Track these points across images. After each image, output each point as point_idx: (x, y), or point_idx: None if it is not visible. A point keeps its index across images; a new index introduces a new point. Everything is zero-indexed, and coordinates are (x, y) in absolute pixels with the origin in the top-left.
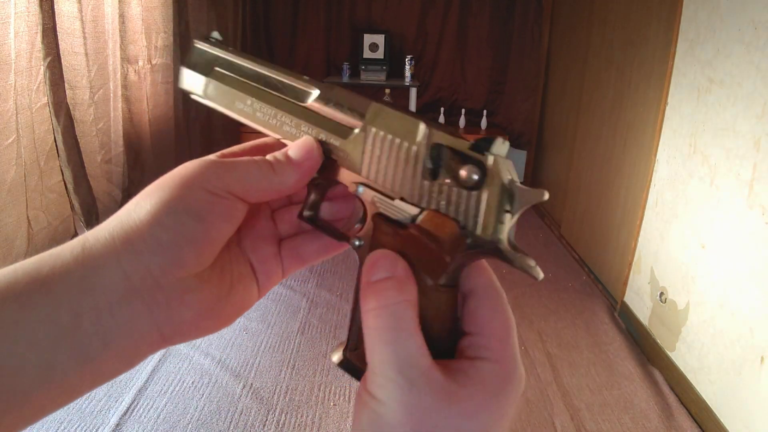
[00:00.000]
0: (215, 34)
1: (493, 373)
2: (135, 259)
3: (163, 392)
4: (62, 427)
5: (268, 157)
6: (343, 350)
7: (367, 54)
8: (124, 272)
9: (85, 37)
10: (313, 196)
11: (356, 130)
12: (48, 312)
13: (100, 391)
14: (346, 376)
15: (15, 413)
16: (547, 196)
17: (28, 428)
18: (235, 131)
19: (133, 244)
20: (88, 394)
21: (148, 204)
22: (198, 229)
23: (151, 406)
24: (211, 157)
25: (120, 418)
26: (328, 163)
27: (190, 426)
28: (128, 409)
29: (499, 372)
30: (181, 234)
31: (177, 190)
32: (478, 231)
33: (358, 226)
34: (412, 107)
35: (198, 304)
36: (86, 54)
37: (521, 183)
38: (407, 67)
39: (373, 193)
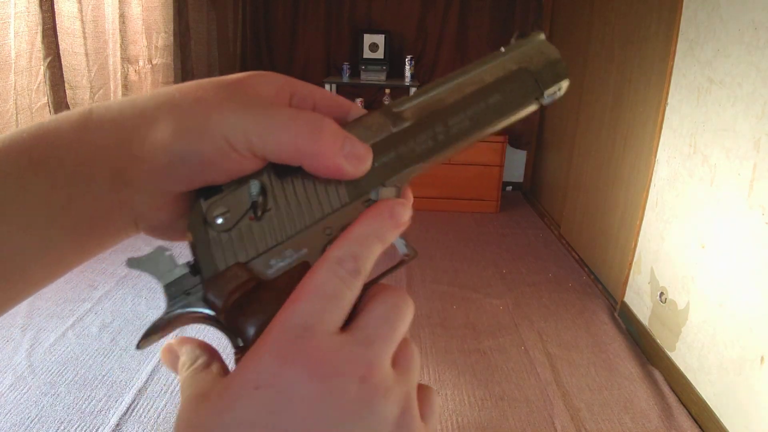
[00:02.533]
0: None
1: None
2: (130, 163)
3: (163, 392)
4: (62, 427)
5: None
6: None
7: (367, 54)
8: (114, 169)
9: (85, 37)
10: None
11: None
12: (44, 194)
13: (100, 391)
14: None
15: (11, 287)
16: None
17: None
18: None
19: (132, 151)
20: (88, 394)
21: (162, 126)
22: (196, 174)
23: (151, 406)
24: (280, 81)
25: (120, 418)
26: None
27: None
28: (128, 409)
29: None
30: (178, 173)
31: (195, 130)
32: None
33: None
34: None
35: (173, 217)
36: (86, 54)
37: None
38: (407, 67)
39: None
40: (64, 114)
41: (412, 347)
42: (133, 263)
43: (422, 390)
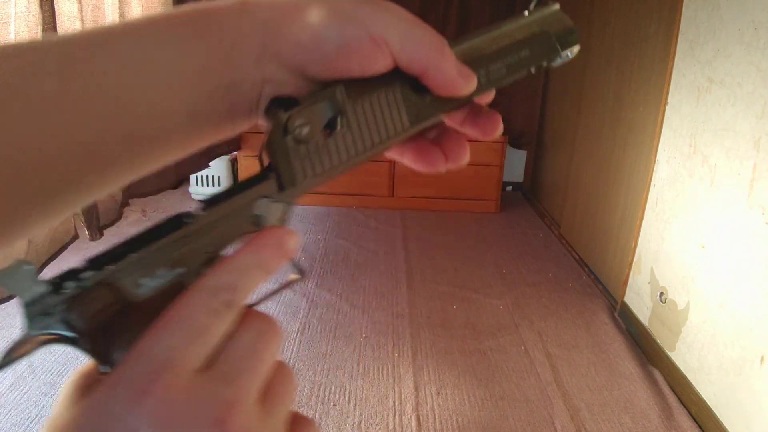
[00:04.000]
0: None
1: None
2: (278, 41)
3: None
4: None
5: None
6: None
7: None
8: (263, 44)
9: None
10: None
11: None
12: (200, 61)
13: None
14: (347, 375)
15: (156, 149)
16: None
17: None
18: None
19: (282, 31)
20: None
21: (314, 12)
22: (339, 61)
23: None
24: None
25: None
26: None
27: None
28: None
29: None
30: (318, 53)
31: (345, 18)
32: None
33: None
34: None
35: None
36: None
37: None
38: None
39: None
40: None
41: (285, 372)
42: None
43: (298, 421)
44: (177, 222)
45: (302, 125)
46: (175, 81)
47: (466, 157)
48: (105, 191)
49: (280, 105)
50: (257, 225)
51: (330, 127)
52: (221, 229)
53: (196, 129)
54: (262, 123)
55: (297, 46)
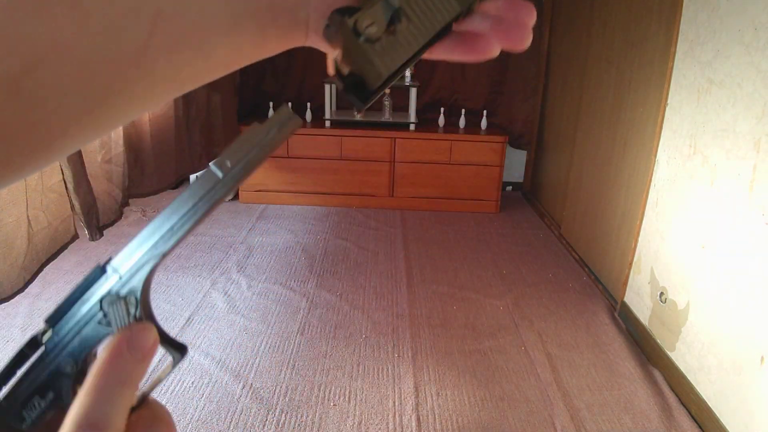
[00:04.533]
0: None
1: None
2: None
3: (163, 392)
4: None
5: None
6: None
7: None
8: None
9: None
10: None
11: None
12: None
13: None
14: (346, 375)
15: (202, 63)
16: None
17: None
18: (236, 131)
19: None
20: None
21: None
22: None
23: None
24: None
25: None
26: None
27: (190, 426)
28: None
29: None
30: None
31: None
32: None
33: None
34: (412, 107)
35: None
36: None
37: None
38: None
39: None
40: None
41: None
42: None
43: None
44: (30, 347)
45: (369, 26)
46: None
47: (525, 33)
48: (149, 107)
49: (342, 14)
50: (110, 325)
51: (393, 22)
52: (76, 340)
53: (238, 34)
54: (318, 44)
55: None
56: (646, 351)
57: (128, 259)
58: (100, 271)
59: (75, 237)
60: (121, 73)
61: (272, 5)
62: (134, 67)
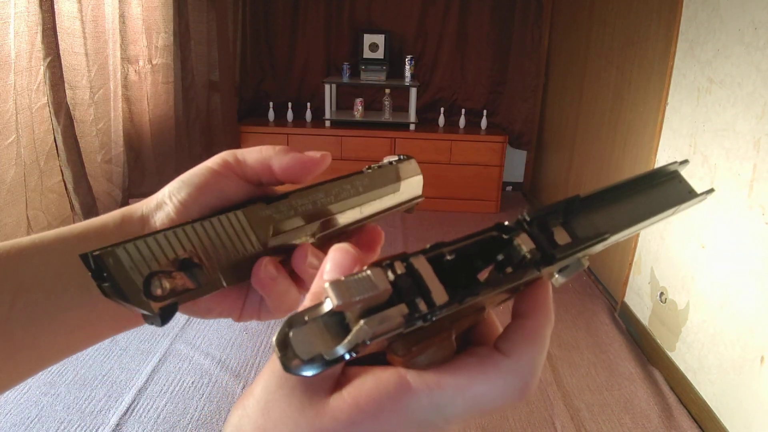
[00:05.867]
0: None
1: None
2: (154, 213)
3: (163, 392)
4: (62, 427)
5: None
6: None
7: (367, 54)
8: (141, 223)
9: (85, 37)
10: None
11: None
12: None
13: (100, 391)
14: None
15: (55, 327)
16: None
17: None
18: (236, 131)
19: (154, 207)
20: (88, 394)
21: (177, 197)
22: (197, 196)
23: (151, 406)
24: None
25: (120, 418)
26: None
27: (190, 426)
28: (128, 409)
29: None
30: (183, 203)
31: (194, 167)
32: None
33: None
34: (412, 107)
35: (209, 306)
36: (86, 54)
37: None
38: (407, 67)
39: None
40: (108, 213)
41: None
42: None
43: None
44: (528, 264)
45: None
46: (64, 276)
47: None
48: (12, 378)
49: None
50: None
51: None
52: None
53: (95, 314)
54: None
55: (171, 208)
56: (646, 351)
57: None
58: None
59: None
60: None
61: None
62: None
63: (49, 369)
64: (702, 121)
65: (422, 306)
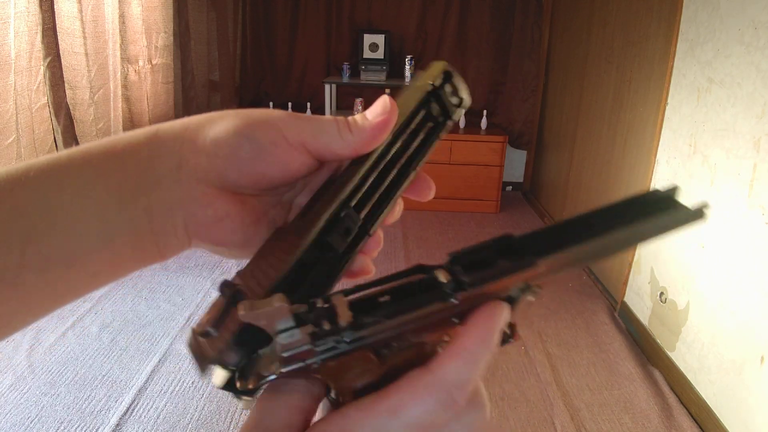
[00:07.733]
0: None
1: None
2: (194, 155)
3: (163, 392)
4: (62, 427)
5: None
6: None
7: (367, 54)
8: (179, 160)
9: (85, 37)
10: None
11: None
12: (117, 180)
13: (100, 391)
14: None
15: (72, 274)
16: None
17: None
18: None
19: (197, 144)
20: (88, 394)
21: (225, 122)
22: (257, 164)
23: (151, 406)
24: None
25: (120, 418)
26: None
27: (190, 426)
28: (128, 409)
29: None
30: (237, 158)
31: (256, 123)
32: None
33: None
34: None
35: (222, 214)
36: (86, 54)
37: None
38: (407, 67)
39: None
40: (136, 129)
41: None
42: None
43: None
44: (436, 292)
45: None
46: (81, 219)
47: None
48: (27, 320)
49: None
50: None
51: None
52: (465, 305)
53: (113, 247)
54: (201, 245)
55: (214, 156)
56: (646, 351)
57: None
58: (528, 262)
59: None
60: None
61: (149, 209)
62: (10, 287)
63: (49, 369)
64: (702, 120)
65: (326, 326)
